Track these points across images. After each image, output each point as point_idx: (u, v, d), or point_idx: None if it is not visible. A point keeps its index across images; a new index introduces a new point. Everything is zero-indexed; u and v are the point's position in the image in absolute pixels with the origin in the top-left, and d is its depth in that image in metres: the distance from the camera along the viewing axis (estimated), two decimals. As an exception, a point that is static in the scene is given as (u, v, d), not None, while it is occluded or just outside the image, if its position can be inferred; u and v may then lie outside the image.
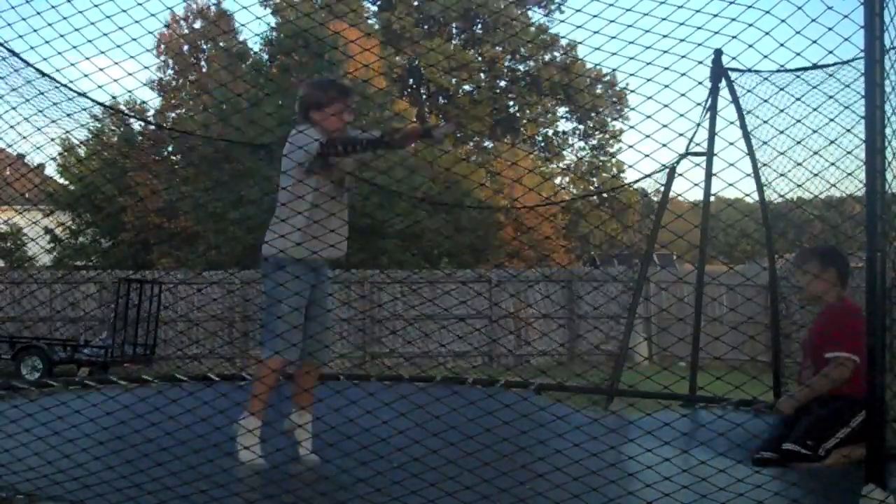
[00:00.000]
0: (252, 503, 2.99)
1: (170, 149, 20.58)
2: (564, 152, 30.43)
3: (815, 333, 4.13)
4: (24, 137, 4.22)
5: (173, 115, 23.51)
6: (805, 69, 4.59)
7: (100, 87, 4.78)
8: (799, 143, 3.95)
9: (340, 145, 3.66)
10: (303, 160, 3.73)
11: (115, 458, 3.34)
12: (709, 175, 5.83)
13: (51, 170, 17.58)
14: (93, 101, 4.99)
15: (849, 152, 3.64)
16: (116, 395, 4.23)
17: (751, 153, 5.57)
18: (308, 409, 3.95)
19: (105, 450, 3.44)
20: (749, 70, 5.29)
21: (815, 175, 4.31)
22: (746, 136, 5.63)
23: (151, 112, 22.15)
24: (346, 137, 3.76)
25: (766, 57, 2.89)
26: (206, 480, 3.11)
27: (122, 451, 3.42)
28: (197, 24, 25.91)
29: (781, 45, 2.79)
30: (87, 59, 3.83)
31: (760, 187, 5.66)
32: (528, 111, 28.75)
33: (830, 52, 2.87)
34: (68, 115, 4.74)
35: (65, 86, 4.57)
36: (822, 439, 3.75)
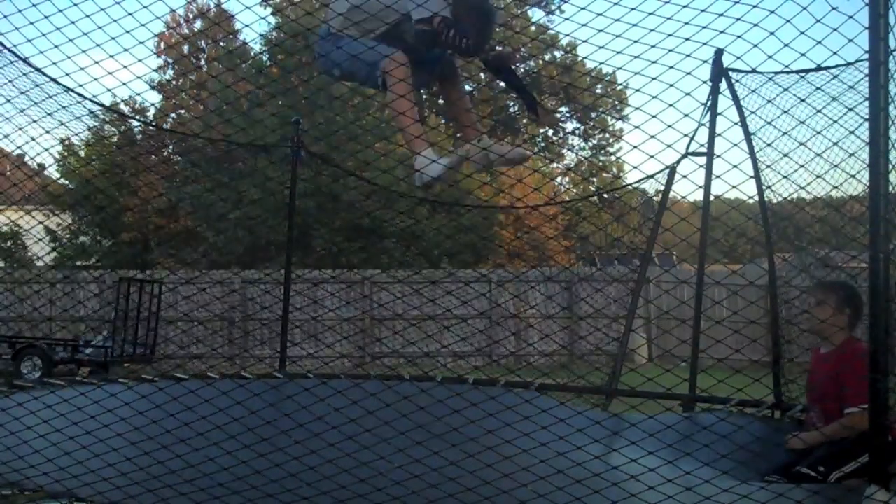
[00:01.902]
0: (252, 502, 2.98)
1: (170, 149, 20.58)
2: (565, 152, 30.42)
3: (825, 375, 3.98)
4: (34, 140, 4.22)
5: (174, 115, 23.48)
6: (809, 71, 4.58)
7: (109, 90, 4.78)
8: (802, 144, 3.94)
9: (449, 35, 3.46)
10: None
11: (115, 454, 3.34)
12: (709, 175, 5.82)
13: (51, 170, 17.57)
14: (94, 101, 4.99)
15: (852, 154, 3.63)
16: (118, 393, 4.22)
17: (751, 154, 5.57)
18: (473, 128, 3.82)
19: (105, 447, 3.44)
20: (751, 71, 5.29)
21: (818, 177, 4.29)
22: (747, 136, 5.63)
23: (152, 112, 22.14)
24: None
25: (770, 57, 2.88)
26: (207, 479, 3.10)
27: (124, 448, 3.42)
28: (197, 24, 25.89)
29: (786, 45, 2.78)
30: (84, 51, 3.82)
31: (760, 188, 5.65)
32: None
33: (835, 53, 2.87)
34: (76, 117, 4.74)
35: (66, 87, 4.57)
36: (834, 468, 3.70)
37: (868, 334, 2.75)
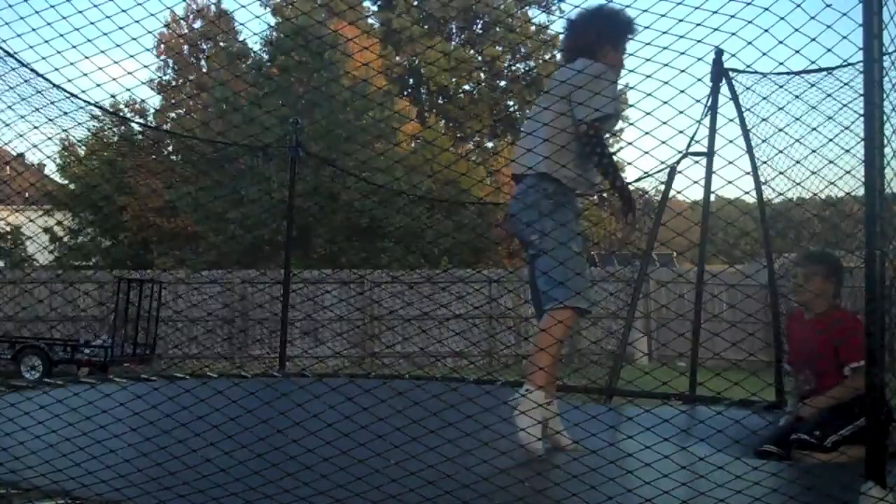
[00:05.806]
0: (251, 503, 2.99)
1: (169, 148, 20.59)
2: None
3: (816, 342, 4.08)
4: (21, 136, 4.22)
5: (173, 114, 23.50)
6: (807, 71, 4.59)
7: (98, 85, 4.75)
8: (798, 140, 3.95)
9: (598, 147, 3.48)
10: (590, 117, 3.46)
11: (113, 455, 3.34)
12: (709, 174, 5.83)
13: (50, 169, 17.59)
14: (91, 102, 5.00)
15: (847, 150, 3.64)
16: (115, 392, 4.23)
17: (750, 151, 5.57)
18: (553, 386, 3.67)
19: (102, 447, 3.44)
20: (749, 70, 5.29)
21: (814, 173, 4.31)
22: (746, 134, 5.63)
23: (151, 112, 22.16)
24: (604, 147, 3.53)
25: (764, 54, 2.89)
26: (205, 480, 3.11)
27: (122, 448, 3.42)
28: (197, 24, 25.90)
29: (780, 42, 2.79)
30: (74, 46, 3.81)
31: (759, 186, 5.65)
32: (527, 111, 28.78)
33: (829, 51, 2.87)
34: (65, 113, 4.74)
35: (62, 88, 4.57)
36: (830, 432, 3.78)
37: (865, 332, 2.74)
